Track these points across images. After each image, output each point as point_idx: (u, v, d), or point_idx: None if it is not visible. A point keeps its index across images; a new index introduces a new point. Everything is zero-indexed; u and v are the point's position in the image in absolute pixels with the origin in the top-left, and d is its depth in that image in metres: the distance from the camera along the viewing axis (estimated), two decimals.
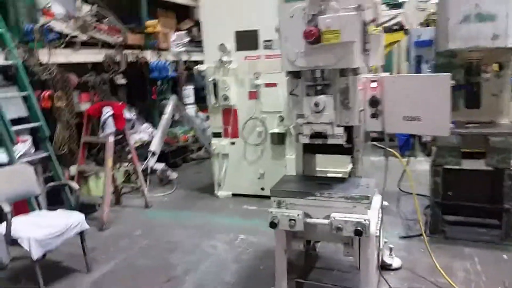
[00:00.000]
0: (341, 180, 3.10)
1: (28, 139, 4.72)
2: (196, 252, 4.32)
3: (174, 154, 7.77)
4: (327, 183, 3.01)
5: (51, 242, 3.60)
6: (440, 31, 4.27)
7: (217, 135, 5.94)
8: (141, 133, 7.52)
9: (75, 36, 6.44)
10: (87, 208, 5.31)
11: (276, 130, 5.57)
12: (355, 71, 2.83)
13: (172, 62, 8.34)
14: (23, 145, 4.59)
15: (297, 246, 2.97)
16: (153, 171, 6.62)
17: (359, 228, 2.61)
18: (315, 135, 2.88)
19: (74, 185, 4.24)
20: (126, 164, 6.06)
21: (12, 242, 3.52)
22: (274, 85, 5.51)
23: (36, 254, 3.47)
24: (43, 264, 3.75)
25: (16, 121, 4.85)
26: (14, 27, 5.59)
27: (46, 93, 5.73)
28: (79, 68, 6.79)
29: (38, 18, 5.94)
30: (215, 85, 5.73)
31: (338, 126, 2.87)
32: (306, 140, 2.92)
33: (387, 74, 3.32)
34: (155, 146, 6.63)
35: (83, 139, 5.40)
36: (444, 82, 2.86)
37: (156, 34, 8.07)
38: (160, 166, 6.67)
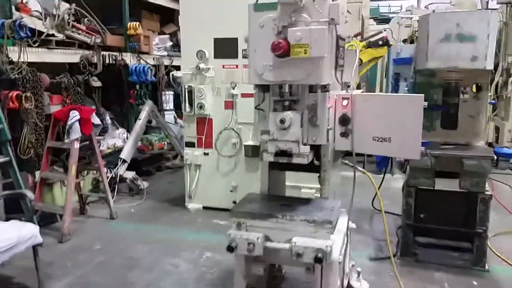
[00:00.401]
0: (306, 201, 2.94)
1: None
2: (156, 270, 4.10)
3: (148, 162, 7.55)
4: (291, 204, 2.85)
5: (1, 256, 3.35)
6: (420, 49, 4.19)
7: (190, 144, 5.75)
8: (115, 138, 7.28)
9: (51, 35, 6.23)
10: (48, 218, 5.07)
11: (251, 142, 5.41)
12: (324, 88, 2.69)
13: (153, 66, 8.14)
14: None
15: (256, 270, 2.77)
16: (123, 179, 6.37)
17: (319, 256, 2.45)
18: (280, 153, 2.72)
19: (30, 194, 3.99)
20: (94, 171, 5.81)
21: None
22: (251, 95, 5.32)
23: None
24: None
25: None
26: None
27: (14, 94, 5.49)
28: (52, 68, 6.56)
29: (12, 13, 5.72)
30: (190, 92, 5.56)
31: (305, 144, 2.72)
32: (271, 158, 2.77)
33: (359, 91, 3.20)
34: (126, 153, 6.40)
35: (48, 144, 5.17)
36: (417, 103, 2.74)
37: (138, 36, 7.85)
38: (130, 174, 6.42)
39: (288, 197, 3.10)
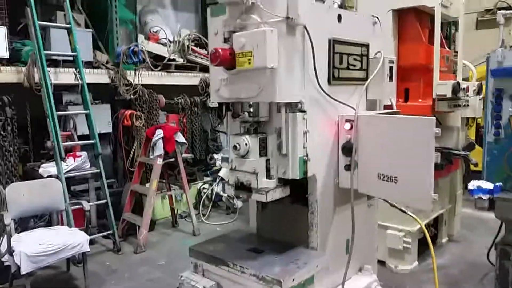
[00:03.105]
0: (284, 249, 2.32)
1: (83, 154, 5.02)
2: None
3: None
4: (262, 250, 2.29)
5: (44, 259, 3.65)
6: None
7: None
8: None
9: (173, 60, 6.78)
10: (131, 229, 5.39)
11: None
12: (294, 106, 2.10)
13: None
14: (73, 160, 4.88)
15: None
16: (220, 197, 6.41)
17: None
18: (241, 186, 2.22)
19: (85, 205, 4.28)
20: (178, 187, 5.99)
21: None
22: None
23: (25, 269, 3.55)
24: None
25: (82, 137, 5.25)
26: (111, 50, 6.15)
27: (128, 112, 6.12)
28: (171, 90, 7.08)
29: (137, 42, 6.43)
30: None
31: (270, 177, 2.15)
32: (231, 192, 2.28)
33: (369, 112, 2.42)
34: (224, 171, 6.41)
35: (139, 159, 5.53)
36: (425, 129, 1.90)
37: None
38: (229, 192, 6.39)
39: (271, 241, 2.50)
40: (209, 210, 6.16)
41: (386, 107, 2.77)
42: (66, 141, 5.10)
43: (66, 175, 4.74)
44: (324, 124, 2.28)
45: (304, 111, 2.12)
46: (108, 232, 5.08)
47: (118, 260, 4.85)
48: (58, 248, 3.72)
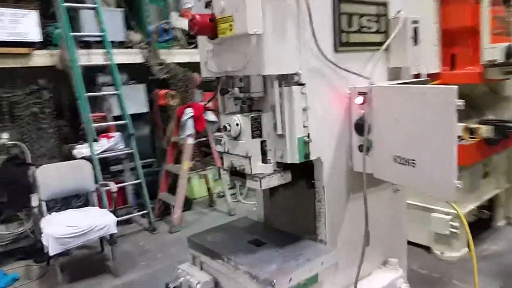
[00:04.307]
0: (289, 242, 2.06)
1: (116, 135, 5.00)
2: None
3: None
4: (265, 243, 2.05)
5: (71, 241, 3.67)
6: None
7: None
8: None
9: None
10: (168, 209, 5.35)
11: None
12: (290, 79, 1.80)
13: None
14: (106, 141, 4.88)
15: None
16: None
17: None
18: (236, 171, 1.97)
19: (112, 186, 4.24)
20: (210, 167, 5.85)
21: None
22: None
23: (53, 250, 3.59)
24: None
25: (119, 118, 5.24)
26: (143, 28, 6.06)
27: (163, 92, 6.04)
28: None
29: (168, 20, 6.29)
30: None
31: (266, 162, 1.89)
32: (227, 177, 2.04)
33: (387, 83, 2.05)
34: None
35: (172, 139, 5.44)
36: (445, 100, 1.54)
37: None
38: None
39: (277, 232, 2.24)
40: (246, 189, 5.99)
41: (415, 76, 2.36)
42: (101, 122, 5.12)
43: (99, 156, 4.76)
44: (331, 98, 1.95)
45: (302, 84, 1.81)
46: (144, 211, 5.08)
47: (152, 240, 4.85)
48: (84, 230, 3.73)
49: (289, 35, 1.74)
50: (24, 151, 4.69)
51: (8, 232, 4.26)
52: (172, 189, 5.38)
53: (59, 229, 3.67)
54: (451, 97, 1.48)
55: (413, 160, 1.70)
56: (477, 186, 4.02)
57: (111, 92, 5.10)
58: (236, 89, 1.88)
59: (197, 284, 1.97)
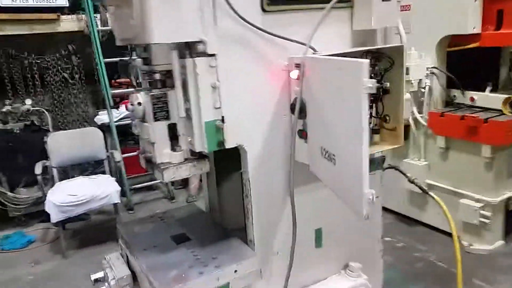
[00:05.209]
0: (220, 239, 1.76)
1: None
2: None
3: None
4: (189, 239, 1.79)
5: (72, 209, 3.70)
6: None
7: None
8: None
9: None
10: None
11: None
12: (195, 48, 1.46)
13: None
14: (125, 108, 4.80)
15: None
16: None
17: None
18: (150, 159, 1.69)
19: (116, 155, 4.17)
20: None
21: None
22: None
23: (54, 218, 3.65)
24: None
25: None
26: None
27: None
28: None
29: None
30: None
31: (174, 149, 1.59)
32: (143, 164, 1.77)
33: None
34: None
35: None
36: (352, 78, 1.13)
37: None
38: None
39: (211, 226, 1.94)
40: None
41: None
42: (126, 89, 5.06)
43: (119, 123, 4.73)
44: (259, 72, 1.57)
45: (211, 55, 1.45)
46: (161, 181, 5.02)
47: (168, 208, 4.78)
48: (85, 199, 3.73)
49: None
50: (44, 117, 4.78)
51: (28, 196, 4.41)
52: None
53: (61, 197, 3.70)
54: (358, 74, 1.06)
55: (334, 154, 1.30)
56: None
57: (126, 58, 4.96)
58: (138, 60, 1.57)
59: (111, 279, 1.77)
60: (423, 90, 3.59)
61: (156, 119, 1.55)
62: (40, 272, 3.63)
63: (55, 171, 4.10)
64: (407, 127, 3.82)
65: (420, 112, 3.66)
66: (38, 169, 3.85)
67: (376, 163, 1.88)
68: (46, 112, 4.81)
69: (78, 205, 3.71)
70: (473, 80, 3.56)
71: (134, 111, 1.58)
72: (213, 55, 1.46)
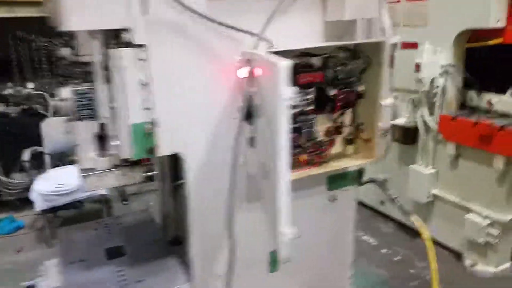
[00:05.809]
0: (156, 256, 1.56)
1: None
2: None
3: None
4: (123, 254, 1.59)
5: (57, 199, 3.58)
6: None
7: None
8: None
9: None
10: None
11: (402, 121, 3.49)
12: (116, 37, 1.23)
13: None
14: None
15: None
16: None
17: None
18: None
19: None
20: None
21: None
22: (413, 46, 3.40)
23: (39, 206, 3.55)
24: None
25: None
26: None
27: None
28: None
29: None
30: None
31: (101, 154, 1.38)
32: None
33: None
34: None
35: None
36: (275, 82, 0.88)
37: None
38: None
39: (155, 240, 1.72)
40: None
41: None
42: None
43: None
44: (202, 68, 1.33)
45: (140, 46, 1.22)
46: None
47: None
48: (71, 189, 3.60)
49: None
50: (44, 101, 4.68)
51: (21, 181, 4.33)
52: None
53: (46, 186, 3.58)
54: (275, 80, 0.81)
55: (267, 172, 1.06)
56: None
57: None
58: (64, 50, 1.36)
59: None
60: (435, 90, 3.26)
61: (80, 118, 1.34)
62: (21, 260, 3.54)
63: (47, 158, 3.99)
64: (415, 130, 3.50)
65: (431, 114, 3.33)
66: (26, 155, 3.74)
67: (349, 178, 1.61)
68: (47, 95, 4.71)
69: (63, 194, 3.59)
70: (493, 82, 3.20)
71: (61, 108, 1.38)
72: (142, 45, 1.23)
